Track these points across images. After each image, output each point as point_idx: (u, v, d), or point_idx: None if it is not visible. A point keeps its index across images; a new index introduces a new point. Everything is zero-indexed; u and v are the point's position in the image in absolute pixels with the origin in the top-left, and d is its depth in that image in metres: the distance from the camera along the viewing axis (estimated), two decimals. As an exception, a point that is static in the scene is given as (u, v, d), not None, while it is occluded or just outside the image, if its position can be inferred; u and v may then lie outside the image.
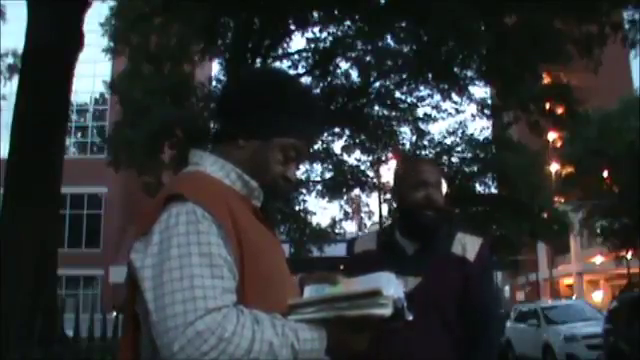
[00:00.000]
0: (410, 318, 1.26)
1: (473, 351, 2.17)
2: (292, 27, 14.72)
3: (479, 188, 20.77)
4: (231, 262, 1.20)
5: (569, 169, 24.79)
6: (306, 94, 1.51)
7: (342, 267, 2.49)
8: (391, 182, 2.78)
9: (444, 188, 2.30)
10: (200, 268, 1.16)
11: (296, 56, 16.19)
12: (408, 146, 18.63)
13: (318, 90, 16.56)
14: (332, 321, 1.21)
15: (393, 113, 17.85)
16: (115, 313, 6.29)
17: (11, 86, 15.12)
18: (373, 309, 1.19)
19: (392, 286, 1.22)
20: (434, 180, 2.23)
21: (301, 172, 18.92)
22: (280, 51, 15.83)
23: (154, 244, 1.20)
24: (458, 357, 2.16)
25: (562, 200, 25.12)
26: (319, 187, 19.31)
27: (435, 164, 2.57)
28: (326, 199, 19.76)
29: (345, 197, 20.64)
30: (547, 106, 14.89)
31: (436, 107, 18.08)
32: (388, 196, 19.36)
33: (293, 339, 1.17)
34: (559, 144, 25.79)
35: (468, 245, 2.23)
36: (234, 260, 1.21)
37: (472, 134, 19.66)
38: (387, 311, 1.19)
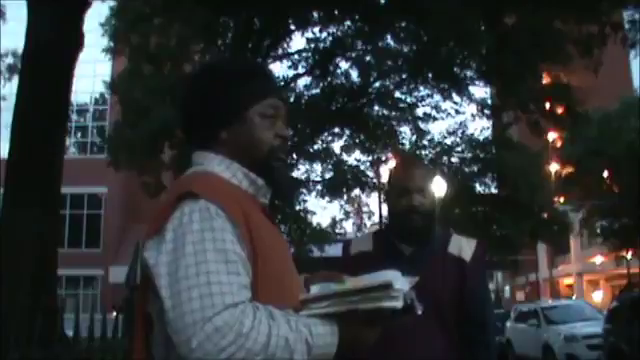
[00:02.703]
0: (420, 312, 1.26)
1: (473, 352, 2.18)
2: (292, 27, 14.72)
3: (479, 188, 20.75)
4: (245, 259, 1.21)
5: (569, 169, 24.77)
6: (240, 58, 1.56)
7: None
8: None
9: (441, 189, 2.33)
10: (216, 264, 1.16)
11: (296, 56, 16.17)
12: (408, 146, 18.60)
13: (318, 90, 16.58)
14: (344, 315, 1.22)
15: (393, 113, 17.83)
16: (115, 313, 6.28)
17: (11, 86, 15.12)
18: (385, 302, 1.19)
19: (399, 282, 1.23)
20: (417, 186, 2.25)
21: (301, 172, 18.92)
22: (280, 51, 15.82)
23: (168, 242, 1.20)
24: (456, 357, 2.17)
25: (562, 200, 25.11)
26: (319, 187, 19.28)
27: (423, 168, 2.57)
28: (326, 199, 19.75)
29: (345, 197, 20.59)
30: (547, 106, 14.89)
31: (436, 107, 18.08)
32: (387, 196, 19.28)
33: (307, 334, 1.17)
34: (559, 144, 25.78)
35: (464, 246, 2.27)
36: (247, 257, 1.21)
37: (472, 134, 19.62)
38: (398, 303, 1.20)
